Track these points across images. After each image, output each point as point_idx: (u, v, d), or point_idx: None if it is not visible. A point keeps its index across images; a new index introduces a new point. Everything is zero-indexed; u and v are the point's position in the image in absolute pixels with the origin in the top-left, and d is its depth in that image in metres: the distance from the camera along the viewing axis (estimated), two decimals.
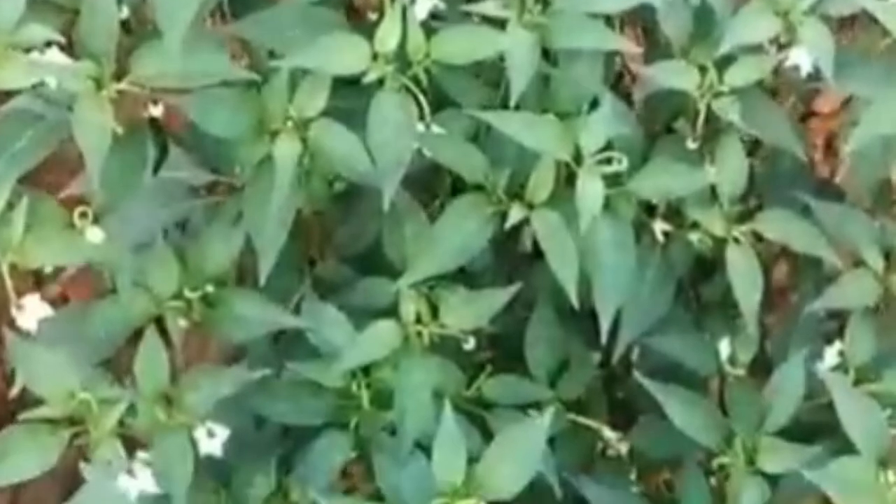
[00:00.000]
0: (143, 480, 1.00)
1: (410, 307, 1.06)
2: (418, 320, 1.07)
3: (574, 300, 1.06)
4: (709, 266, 1.26)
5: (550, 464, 1.10)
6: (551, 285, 1.10)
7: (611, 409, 1.29)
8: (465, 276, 1.15)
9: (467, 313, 1.08)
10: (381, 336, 1.05)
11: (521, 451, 0.99)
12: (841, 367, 1.18)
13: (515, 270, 1.20)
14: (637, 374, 1.13)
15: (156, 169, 1.08)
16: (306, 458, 1.04)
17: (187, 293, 1.05)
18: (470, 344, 1.10)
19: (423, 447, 1.03)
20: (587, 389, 1.23)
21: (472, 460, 1.01)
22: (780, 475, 1.10)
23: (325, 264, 1.15)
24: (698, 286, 1.31)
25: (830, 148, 2.04)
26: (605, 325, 1.10)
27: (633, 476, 1.26)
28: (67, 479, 1.08)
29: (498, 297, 1.09)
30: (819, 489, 1.03)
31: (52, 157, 1.04)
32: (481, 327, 1.14)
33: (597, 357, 1.23)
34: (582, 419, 1.20)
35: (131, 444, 1.03)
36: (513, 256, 1.23)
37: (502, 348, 1.22)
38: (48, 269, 1.07)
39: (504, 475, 0.98)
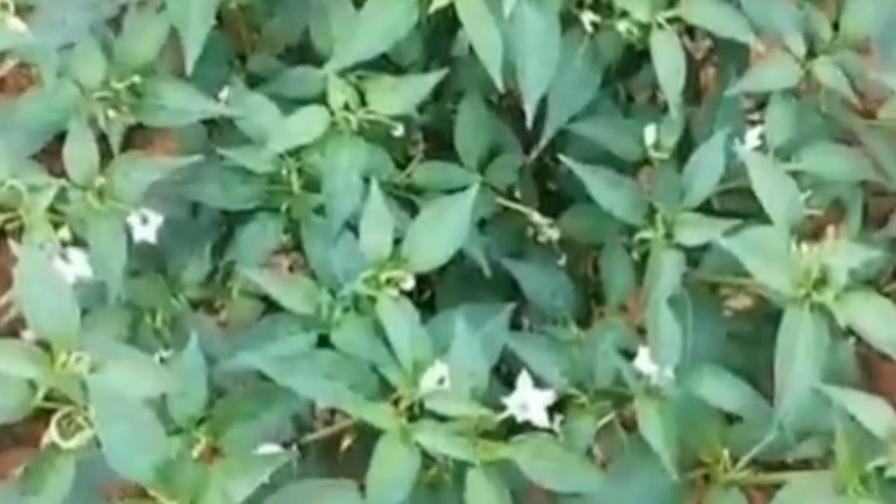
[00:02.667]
0: (78, 266, 0.99)
1: (338, 93, 1.03)
2: (347, 107, 1.04)
3: (499, 83, 1.03)
4: (638, 59, 1.24)
5: (478, 243, 1.09)
6: (480, 75, 1.07)
7: (543, 199, 1.28)
8: (394, 69, 1.12)
9: (394, 99, 1.04)
10: (309, 120, 1.02)
11: (446, 225, 0.97)
12: (762, 149, 1.18)
13: (445, 63, 1.18)
14: (563, 158, 1.12)
15: None
16: (239, 241, 1.02)
17: (114, 84, 1.01)
18: (399, 130, 1.08)
19: (353, 227, 1.01)
20: (519, 179, 1.23)
21: (401, 240, 1.01)
22: (701, 249, 1.11)
23: (255, 58, 1.11)
24: (628, 78, 1.29)
25: None
26: (529, 110, 1.06)
27: (562, 262, 1.26)
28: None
29: (424, 83, 1.05)
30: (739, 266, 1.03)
31: None
32: (412, 117, 1.12)
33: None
34: (512, 204, 1.19)
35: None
36: (443, 50, 1.20)
37: (434, 139, 1.20)
38: None
39: (429, 247, 0.97)
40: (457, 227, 0.98)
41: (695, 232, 1.06)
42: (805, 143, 1.16)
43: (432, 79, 1.05)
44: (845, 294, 0.96)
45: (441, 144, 1.20)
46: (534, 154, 1.20)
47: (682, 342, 1.02)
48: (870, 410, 0.88)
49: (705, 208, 1.13)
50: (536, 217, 1.20)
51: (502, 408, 0.96)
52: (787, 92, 1.15)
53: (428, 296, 1.21)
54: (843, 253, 1.00)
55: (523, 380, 0.95)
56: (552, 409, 1.03)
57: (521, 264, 1.15)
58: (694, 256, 1.13)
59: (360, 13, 1.02)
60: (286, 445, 1.04)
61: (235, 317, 1.09)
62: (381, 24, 1.01)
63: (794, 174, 1.14)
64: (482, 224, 1.17)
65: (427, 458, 0.92)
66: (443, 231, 0.97)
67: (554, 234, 1.24)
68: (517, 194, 1.23)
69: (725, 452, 0.96)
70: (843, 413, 0.88)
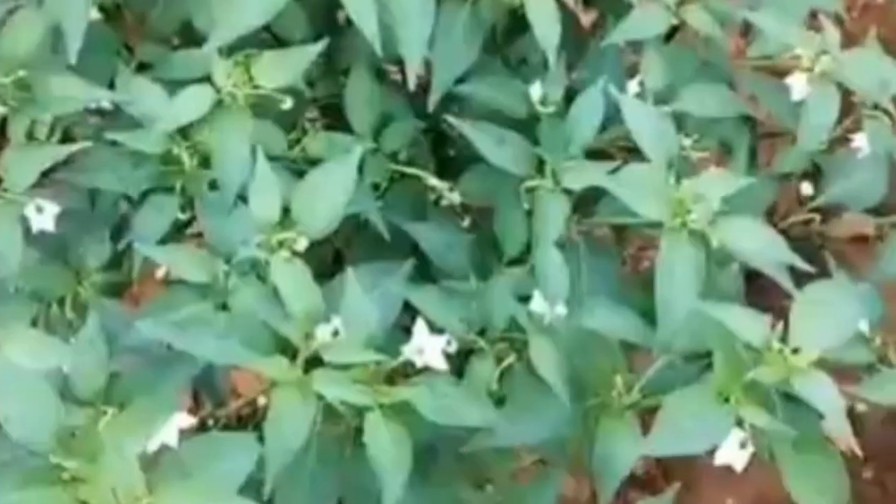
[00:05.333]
0: None
1: (221, 69, 1.03)
2: (233, 84, 1.04)
3: (377, 49, 1.05)
4: (522, 21, 1.26)
5: (373, 205, 1.11)
6: (366, 45, 1.08)
7: (444, 164, 1.30)
8: (283, 46, 1.13)
9: (278, 73, 1.05)
10: (195, 99, 1.02)
11: (331, 187, 0.98)
12: (642, 96, 1.20)
13: (333, 36, 1.19)
14: (449, 118, 1.14)
15: None
16: (135, 223, 1.03)
17: (1, 79, 1.02)
18: (288, 104, 1.08)
19: (245, 199, 1.02)
20: (415, 146, 1.24)
21: None
22: (598, 196, 1.13)
23: (143, 46, 1.13)
24: (514, 41, 1.31)
25: None
26: (410, 74, 1.08)
27: (465, 223, 1.28)
28: None
29: (306, 54, 1.06)
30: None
31: None
32: (302, 90, 1.14)
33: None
34: (408, 169, 1.20)
35: None
36: (329, 22, 1.21)
37: (330, 112, 1.21)
38: None
39: (316, 209, 0.97)
40: (342, 188, 0.99)
41: (578, 176, 1.08)
42: (683, 86, 1.19)
43: (314, 50, 1.06)
44: (719, 219, 0.99)
45: (338, 117, 1.21)
46: (427, 120, 1.22)
47: (571, 281, 1.04)
48: (745, 323, 0.90)
49: (599, 155, 1.17)
50: (433, 181, 1.21)
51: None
52: (659, 39, 1.18)
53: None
54: (715, 183, 1.02)
55: (419, 326, 0.96)
56: (458, 358, 1.05)
57: (421, 225, 1.17)
58: (591, 203, 1.16)
59: None
60: (203, 421, 1.06)
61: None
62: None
63: (678, 117, 1.18)
64: (382, 190, 1.20)
65: (332, 414, 0.94)
66: (329, 193, 0.98)
67: (455, 197, 1.25)
68: (413, 160, 1.25)
69: (619, 380, 0.98)
70: (720, 327, 0.90)
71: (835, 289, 0.94)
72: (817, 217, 1.33)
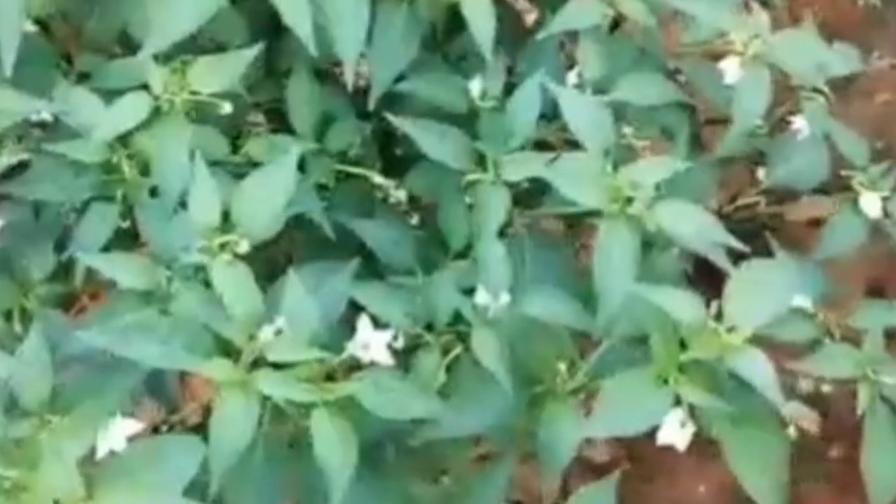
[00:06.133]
0: None
1: (157, 76, 1.04)
2: (170, 90, 1.05)
3: (312, 49, 1.05)
4: (461, 19, 1.27)
5: (317, 205, 1.11)
6: (304, 47, 1.08)
7: (391, 163, 1.30)
8: (221, 51, 1.14)
9: (214, 77, 1.05)
10: (131, 107, 1.02)
11: (270, 188, 0.98)
12: (581, 86, 1.21)
13: (272, 39, 1.19)
14: (390, 117, 1.15)
15: None
16: (77, 233, 1.03)
17: None
18: (227, 109, 1.08)
19: (186, 205, 1.03)
20: (362, 145, 1.24)
21: None
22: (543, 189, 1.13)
23: (81, 57, 1.12)
24: (453, 37, 1.31)
25: None
26: (348, 74, 1.08)
27: (414, 220, 1.28)
28: None
29: (242, 58, 1.06)
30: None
31: None
32: (242, 95, 1.14)
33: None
34: (352, 168, 1.20)
35: None
36: (268, 27, 1.21)
37: (274, 115, 1.21)
38: None
39: (258, 211, 0.97)
40: (281, 189, 0.99)
41: (518, 168, 1.09)
42: (621, 75, 1.19)
43: (250, 54, 1.06)
44: (656, 204, 1.00)
45: (281, 120, 1.21)
46: (373, 119, 1.23)
47: (514, 272, 1.04)
48: (680, 304, 0.90)
49: (544, 146, 1.17)
50: (378, 179, 1.22)
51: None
52: (595, 29, 1.19)
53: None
54: (652, 169, 1.03)
55: (362, 322, 0.97)
56: (406, 353, 1.06)
57: (368, 223, 1.17)
58: (537, 195, 1.17)
59: None
60: (156, 427, 1.06)
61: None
62: (190, 4, 1.02)
63: (619, 106, 1.19)
64: (327, 190, 1.20)
65: (279, 413, 0.94)
66: (268, 194, 0.98)
67: (401, 195, 1.26)
68: (360, 159, 1.26)
69: (562, 366, 0.98)
70: (657, 309, 0.91)
71: (767, 267, 0.95)
72: (762, 200, 1.35)
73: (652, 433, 0.95)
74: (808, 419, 1.99)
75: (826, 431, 1.84)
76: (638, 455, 1.86)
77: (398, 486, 1.04)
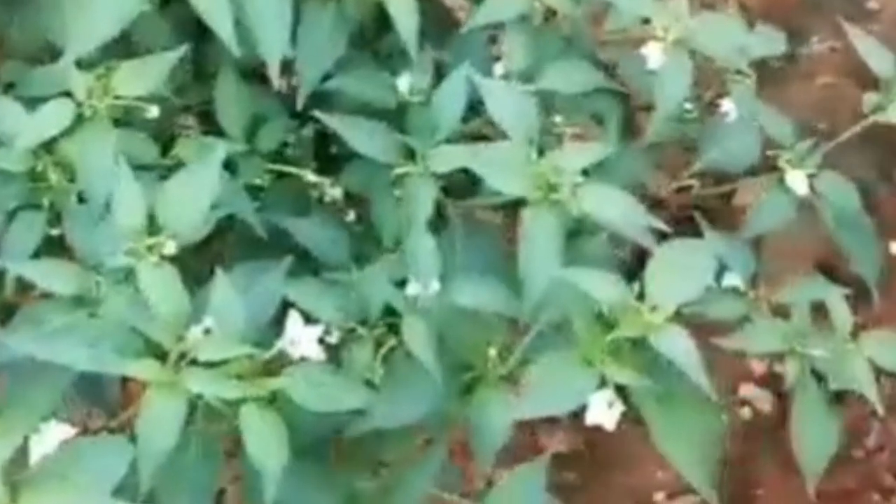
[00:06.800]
0: None
1: (79, 82, 1.03)
2: (93, 96, 1.05)
3: (235, 50, 1.05)
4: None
5: (248, 206, 1.11)
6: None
7: (326, 163, 1.31)
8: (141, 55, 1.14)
9: (138, 81, 1.05)
10: (54, 114, 1.02)
11: (194, 189, 0.98)
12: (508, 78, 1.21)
13: (199, 42, 1.19)
14: (318, 115, 1.15)
15: None
16: (4, 242, 1.02)
17: None
18: (153, 113, 1.08)
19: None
20: (297, 144, 1.25)
21: None
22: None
23: (5, 67, 1.12)
24: (382, 34, 1.32)
25: None
26: (273, 74, 1.09)
27: (351, 217, 1.29)
28: None
29: (165, 61, 1.06)
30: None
31: None
32: (167, 97, 1.14)
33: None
34: (285, 168, 1.20)
35: None
36: (195, 30, 1.21)
37: (202, 118, 1.21)
38: None
39: (183, 212, 0.97)
40: (206, 190, 0.99)
41: (445, 160, 1.09)
42: (548, 64, 1.20)
43: (173, 57, 1.06)
44: (580, 190, 1.00)
45: (213, 122, 1.21)
46: (307, 118, 1.23)
47: (446, 261, 1.05)
48: (602, 286, 0.91)
49: (478, 138, 1.17)
50: (312, 178, 1.22)
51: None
52: (520, 19, 1.20)
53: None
54: (576, 155, 1.04)
55: (292, 318, 0.97)
56: (342, 348, 1.06)
57: (303, 222, 1.17)
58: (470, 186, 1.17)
59: (90, 2, 1.03)
60: (95, 432, 1.05)
61: None
62: (109, 9, 1.02)
63: (548, 95, 1.19)
64: (261, 190, 1.20)
65: (213, 412, 0.94)
66: (192, 196, 0.98)
67: (337, 192, 1.27)
68: (294, 159, 1.26)
69: (493, 352, 0.99)
70: (581, 292, 0.91)
71: (689, 247, 0.95)
72: (697, 184, 1.36)
73: None
74: (762, 399, 2.01)
75: (780, 410, 1.86)
76: (596, 443, 1.87)
77: (342, 481, 1.04)
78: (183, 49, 1.07)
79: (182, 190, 0.98)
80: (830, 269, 2.02)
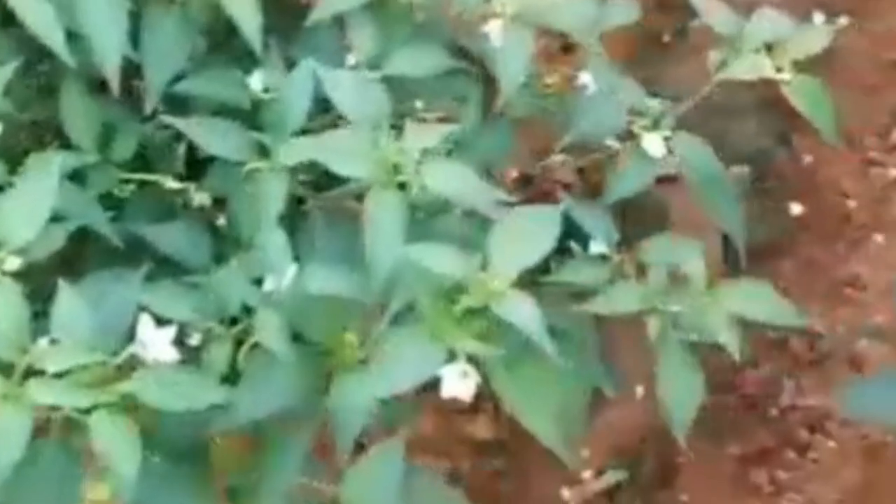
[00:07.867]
0: None
1: None
2: None
3: (67, 59, 1.04)
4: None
5: (101, 216, 1.10)
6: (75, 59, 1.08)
7: (191, 168, 1.30)
8: None
9: None
10: None
11: (31, 203, 0.97)
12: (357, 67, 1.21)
13: (45, 58, 1.18)
14: (164, 117, 1.14)
15: None
16: None
17: None
18: None
19: None
20: (157, 151, 1.24)
21: None
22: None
23: None
24: (235, 34, 1.31)
25: None
26: (112, 81, 1.08)
27: (221, 221, 1.27)
28: None
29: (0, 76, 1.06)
30: None
31: None
32: (10, 113, 1.12)
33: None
34: (142, 175, 1.19)
35: None
36: (40, 46, 1.20)
37: (51, 132, 1.20)
38: None
39: (18, 222, 0.96)
40: (42, 203, 0.98)
41: (293, 153, 1.08)
42: (395, 50, 1.20)
43: (6, 73, 1.05)
44: (422, 168, 1.00)
45: (56, 133, 1.20)
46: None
47: (303, 253, 1.05)
48: (444, 259, 0.91)
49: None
50: (172, 184, 1.21)
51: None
52: (365, 9, 1.19)
53: None
54: (419, 135, 1.03)
55: (142, 322, 0.96)
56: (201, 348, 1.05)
57: (163, 229, 1.16)
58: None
59: None
60: None
61: None
62: None
63: (403, 81, 1.19)
64: (119, 200, 1.19)
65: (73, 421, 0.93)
66: (28, 209, 0.97)
67: (203, 196, 1.25)
68: (154, 165, 1.24)
69: (350, 337, 0.98)
70: (423, 269, 0.91)
71: (531, 214, 0.96)
72: (565, 158, 1.37)
73: None
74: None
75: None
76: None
77: (219, 482, 1.03)
78: (14, 64, 1.06)
79: (17, 204, 0.96)
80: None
